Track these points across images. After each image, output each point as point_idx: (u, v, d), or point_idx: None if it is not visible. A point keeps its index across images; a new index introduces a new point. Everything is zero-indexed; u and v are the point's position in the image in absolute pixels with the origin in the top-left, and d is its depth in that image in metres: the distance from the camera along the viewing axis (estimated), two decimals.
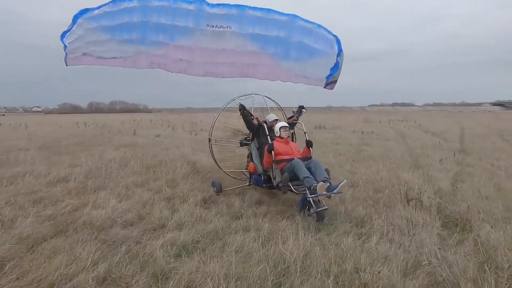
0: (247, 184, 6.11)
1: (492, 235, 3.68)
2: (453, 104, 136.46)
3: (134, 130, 20.34)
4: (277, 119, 6.10)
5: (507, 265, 3.05)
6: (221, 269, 3.08)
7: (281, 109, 7.06)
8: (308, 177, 4.56)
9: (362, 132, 17.68)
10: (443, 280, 2.97)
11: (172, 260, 3.38)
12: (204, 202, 5.47)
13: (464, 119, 36.62)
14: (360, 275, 3.02)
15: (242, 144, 6.37)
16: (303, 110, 6.40)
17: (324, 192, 4.44)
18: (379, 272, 3.03)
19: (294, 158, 4.99)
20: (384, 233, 3.98)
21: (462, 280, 2.87)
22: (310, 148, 5.51)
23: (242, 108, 5.88)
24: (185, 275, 3.00)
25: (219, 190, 5.92)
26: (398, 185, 6.09)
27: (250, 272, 2.97)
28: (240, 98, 6.17)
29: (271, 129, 5.64)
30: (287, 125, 5.56)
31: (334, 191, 4.52)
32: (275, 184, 5.11)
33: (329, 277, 2.88)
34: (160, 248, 3.58)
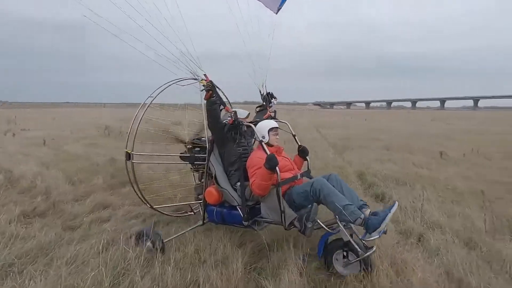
0: (201, 223, 3.87)
1: None
2: (288, 103, 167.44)
3: None
4: (248, 115, 3.96)
5: None
6: (46, 286, 2.69)
7: (229, 103, 4.53)
8: (349, 204, 2.94)
9: None
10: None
11: None
12: (24, 217, 4.49)
13: (291, 116, 45.24)
14: (200, 255, 3.38)
15: (195, 159, 3.92)
16: (272, 100, 4.32)
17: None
18: (215, 249, 3.48)
19: (297, 176, 3.51)
20: None
21: None
22: (307, 159, 3.98)
23: (210, 88, 3.49)
24: None
25: (159, 243, 3.41)
26: None
27: (83, 281, 2.74)
28: (177, 82, 3.83)
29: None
30: (277, 125, 3.70)
31: (384, 224, 2.85)
32: (286, 222, 3.15)
33: (170, 264, 3.06)
34: None
